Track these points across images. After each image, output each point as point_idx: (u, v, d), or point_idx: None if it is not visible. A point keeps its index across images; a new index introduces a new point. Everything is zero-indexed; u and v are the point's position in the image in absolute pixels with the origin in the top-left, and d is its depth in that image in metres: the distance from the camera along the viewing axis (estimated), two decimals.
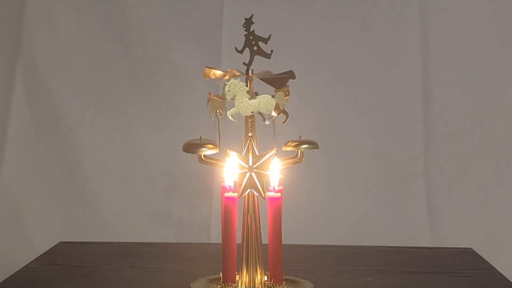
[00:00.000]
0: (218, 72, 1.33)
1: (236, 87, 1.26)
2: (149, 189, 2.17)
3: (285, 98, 1.29)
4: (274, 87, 1.28)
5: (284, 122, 1.28)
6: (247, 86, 1.27)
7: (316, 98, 2.13)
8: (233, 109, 1.26)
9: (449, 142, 2.14)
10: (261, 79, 1.29)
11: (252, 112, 1.26)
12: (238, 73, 1.30)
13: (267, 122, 1.28)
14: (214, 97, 1.28)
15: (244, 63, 1.28)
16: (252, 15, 1.30)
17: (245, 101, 1.25)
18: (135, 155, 2.17)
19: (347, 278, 1.44)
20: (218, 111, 1.27)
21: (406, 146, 2.15)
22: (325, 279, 1.42)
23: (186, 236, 2.15)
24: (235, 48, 1.29)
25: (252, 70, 1.29)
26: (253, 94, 1.27)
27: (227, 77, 1.31)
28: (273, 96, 1.27)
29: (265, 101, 1.26)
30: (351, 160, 2.15)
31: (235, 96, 1.26)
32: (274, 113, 1.27)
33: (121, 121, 2.17)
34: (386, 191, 2.15)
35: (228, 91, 1.26)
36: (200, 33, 2.14)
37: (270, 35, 1.29)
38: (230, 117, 1.26)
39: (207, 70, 1.32)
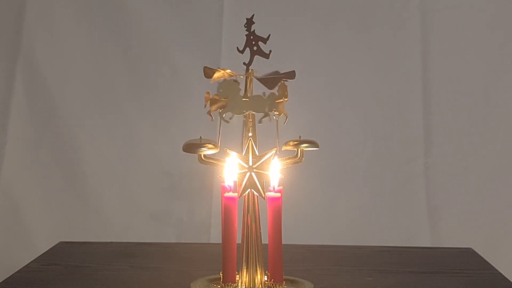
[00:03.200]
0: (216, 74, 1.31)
1: (229, 87, 1.26)
2: (149, 189, 2.17)
3: (282, 100, 1.28)
4: (268, 88, 1.28)
5: (284, 122, 1.28)
6: (247, 86, 1.27)
7: (316, 98, 2.13)
8: (226, 109, 1.26)
9: (449, 142, 2.14)
10: (257, 79, 1.29)
11: (244, 112, 1.26)
12: (233, 74, 1.29)
13: (258, 123, 1.28)
14: (214, 97, 1.28)
15: (244, 63, 1.28)
16: (253, 15, 1.29)
17: (237, 101, 1.25)
18: (135, 155, 2.17)
19: (347, 278, 1.44)
20: (220, 110, 1.27)
21: (406, 146, 2.15)
22: (325, 279, 1.42)
23: (186, 236, 2.15)
24: (237, 48, 1.29)
25: (252, 70, 1.29)
26: (246, 95, 1.27)
27: (222, 77, 1.30)
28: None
29: (257, 101, 1.26)
30: (351, 160, 2.15)
31: (227, 96, 1.26)
32: (271, 115, 1.27)
33: (121, 121, 2.17)
34: (386, 191, 2.15)
35: (221, 91, 1.26)
36: (200, 33, 2.14)
37: (269, 35, 1.28)
38: (223, 118, 1.26)
39: (207, 70, 1.31)
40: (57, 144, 2.17)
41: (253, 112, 1.27)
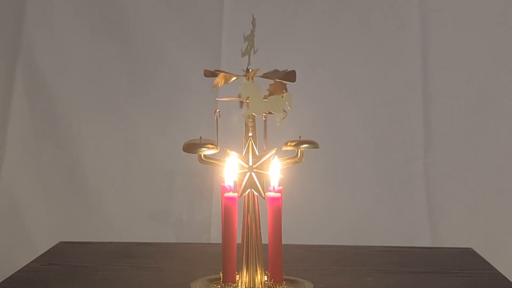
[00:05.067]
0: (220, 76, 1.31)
1: (250, 88, 1.26)
2: (149, 189, 2.17)
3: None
4: (290, 81, 1.27)
5: (282, 119, 1.28)
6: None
7: (316, 98, 2.13)
8: (247, 110, 1.26)
9: (449, 142, 2.14)
10: (264, 76, 1.29)
11: (265, 113, 1.26)
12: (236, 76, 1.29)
13: (279, 123, 1.27)
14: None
15: (248, 69, 1.28)
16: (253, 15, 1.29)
17: (258, 102, 1.25)
18: (135, 155, 2.17)
19: (347, 278, 1.44)
20: (217, 111, 1.28)
21: (406, 146, 2.15)
22: (325, 279, 1.42)
23: (186, 236, 2.15)
24: (241, 49, 1.29)
25: (253, 70, 1.29)
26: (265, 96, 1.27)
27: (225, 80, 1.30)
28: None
29: (277, 102, 1.26)
30: (351, 160, 2.15)
31: (248, 97, 1.26)
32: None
33: (121, 121, 2.17)
34: (386, 191, 2.15)
35: (243, 92, 1.26)
36: (200, 34, 2.14)
37: (253, 15, 1.28)
38: (244, 119, 1.26)
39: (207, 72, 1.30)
40: (57, 144, 2.17)
41: (272, 113, 1.27)
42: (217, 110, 1.28)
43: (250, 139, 1.27)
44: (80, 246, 1.69)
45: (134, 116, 2.17)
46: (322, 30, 2.14)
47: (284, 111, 1.28)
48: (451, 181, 2.14)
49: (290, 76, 1.27)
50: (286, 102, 1.27)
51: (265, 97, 1.27)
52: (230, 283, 1.28)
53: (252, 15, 1.28)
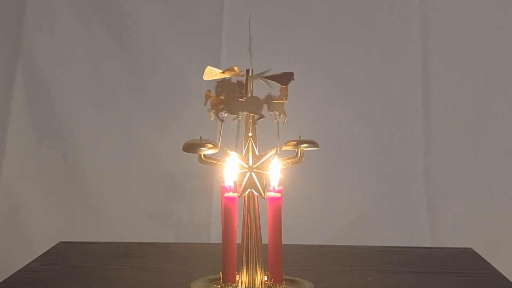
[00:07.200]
0: (219, 71, 1.32)
1: (226, 86, 1.26)
2: (149, 189, 2.17)
3: (282, 100, 1.28)
4: (281, 84, 1.27)
5: (283, 122, 1.28)
6: (247, 86, 1.27)
7: (316, 98, 2.13)
8: (222, 108, 1.26)
9: (449, 142, 2.14)
10: (265, 77, 1.29)
11: (239, 113, 1.26)
12: (239, 71, 1.29)
13: (253, 124, 1.27)
14: (212, 95, 1.28)
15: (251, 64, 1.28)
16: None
17: (234, 101, 1.25)
18: (135, 155, 2.17)
19: (347, 278, 1.44)
20: (222, 112, 1.27)
21: (406, 146, 2.15)
22: (325, 279, 1.42)
23: (186, 236, 2.15)
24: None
25: (253, 70, 1.29)
26: (246, 95, 1.27)
27: (227, 75, 1.30)
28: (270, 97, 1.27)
29: (255, 103, 1.26)
30: (351, 160, 2.15)
31: (224, 95, 1.26)
32: (272, 115, 1.27)
33: (121, 121, 2.17)
34: (386, 191, 2.15)
35: (219, 90, 1.26)
36: (200, 33, 2.14)
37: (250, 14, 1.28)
38: (217, 116, 1.26)
39: (208, 70, 1.31)
40: (57, 144, 2.17)
41: (249, 113, 1.26)
42: (222, 112, 1.28)
43: (250, 139, 1.27)
44: (80, 246, 1.69)
45: (134, 116, 2.17)
46: (322, 30, 2.14)
47: (284, 112, 1.28)
48: (451, 181, 2.14)
49: (284, 78, 1.26)
50: (284, 99, 1.26)
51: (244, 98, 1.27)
52: (230, 283, 1.28)
53: (249, 15, 1.28)
